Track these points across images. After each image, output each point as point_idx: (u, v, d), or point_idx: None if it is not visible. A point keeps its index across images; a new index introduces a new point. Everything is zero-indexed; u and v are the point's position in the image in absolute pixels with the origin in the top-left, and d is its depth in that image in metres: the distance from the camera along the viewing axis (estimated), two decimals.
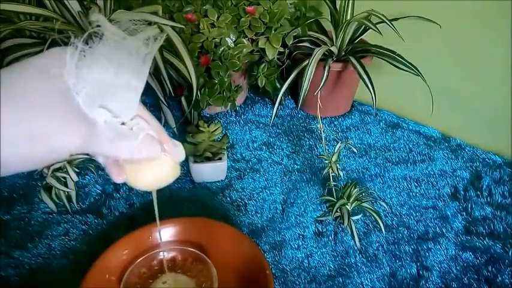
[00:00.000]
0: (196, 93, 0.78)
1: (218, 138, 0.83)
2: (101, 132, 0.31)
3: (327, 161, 0.72)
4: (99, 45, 0.30)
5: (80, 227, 0.70)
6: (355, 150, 0.89)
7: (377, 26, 0.80)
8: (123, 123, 0.33)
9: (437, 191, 0.80)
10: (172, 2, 0.86)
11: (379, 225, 0.69)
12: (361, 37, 0.94)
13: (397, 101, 1.03)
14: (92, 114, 0.30)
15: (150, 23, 0.71)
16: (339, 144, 0.72)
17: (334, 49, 0.92)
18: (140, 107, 0.35)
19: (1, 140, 0.25)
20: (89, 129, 0.30)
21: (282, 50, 0.93)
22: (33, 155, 0.28)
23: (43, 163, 0.29)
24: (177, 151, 0.38)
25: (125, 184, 0.39)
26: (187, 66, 0.75)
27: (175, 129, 0.91)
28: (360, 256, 0.67)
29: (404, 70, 0.83)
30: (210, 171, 0.80)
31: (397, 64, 0.83)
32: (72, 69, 0.29)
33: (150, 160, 0.36)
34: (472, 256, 0.67)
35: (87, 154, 0.35)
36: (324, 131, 0.83)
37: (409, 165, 0.87)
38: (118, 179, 0.36)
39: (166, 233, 0.62)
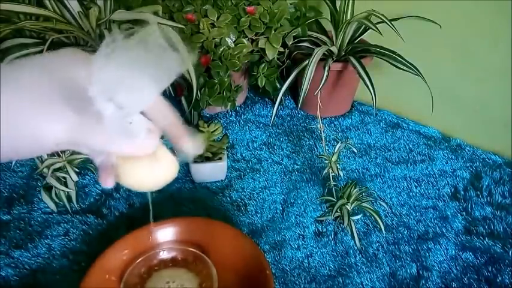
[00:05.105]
0: (196, 93, 0.78)
1: (218, 138, 0.83)
2: (105, 124, 0.30)
3: (327, 161, 0.72)
4: (134, 48, 0.29)
5: (80, 227, 0.70)
6: (355, 150, 0.89)
7: (377, 26, 0.80)
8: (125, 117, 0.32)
9: (437, 191, 0.80)
10: (172, 2, 0.86)
11: (379, 225, 0.69)
12: (361, 37, 0.94)
13: (397, 101, 1.03)
14: (99, 106, 0.29)
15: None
16: (339, 144, 0.72)
17: (334, 49, 0.92)
18: (158, 98, 0.34)
19: None
20: (84, 119, 0.29)
21: (282, 50, 0.93)
22: (14, 138, 0.27)
23: (27, 151, 0.29)
24: (194, 144, 0.37)
25: None
26: None
27: None
28: (360, 256, 0.67)
29: (404, 70, 0.82)
30: (210, 171, 0.80)
31: (397, 64, 0.83)
32: (100, 63, 0.28)
33: (147, 155, 0.34)
34: (472, 256, 0.67)
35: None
36: (324, 131, 0.83)
37: (409, 165, 0.87)
38: (106, 183, 0.33)
39: (166, 233, 0.62)
